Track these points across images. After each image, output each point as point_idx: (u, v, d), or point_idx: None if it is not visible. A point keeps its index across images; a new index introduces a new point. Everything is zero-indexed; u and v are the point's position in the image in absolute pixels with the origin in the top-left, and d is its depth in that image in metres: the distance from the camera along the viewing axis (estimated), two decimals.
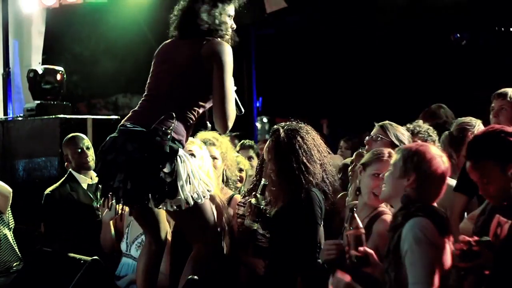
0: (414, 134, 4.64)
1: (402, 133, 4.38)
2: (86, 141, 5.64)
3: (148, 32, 12.13)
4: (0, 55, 8.67)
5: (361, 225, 3.13)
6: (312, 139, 4.02)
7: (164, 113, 3.65)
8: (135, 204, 3.72)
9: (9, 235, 5.72)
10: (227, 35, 3.92)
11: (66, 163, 5.61)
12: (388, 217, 3.44)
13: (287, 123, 4.09)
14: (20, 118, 7.52)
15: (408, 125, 4.74)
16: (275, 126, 4.10)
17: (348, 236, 3.12)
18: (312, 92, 13.21)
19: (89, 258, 4.68)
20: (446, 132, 5.06)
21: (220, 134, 4.60)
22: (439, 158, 3.09)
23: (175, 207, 3.65)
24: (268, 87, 13.23)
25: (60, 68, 7.61)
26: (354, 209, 3.18)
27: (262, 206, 3.96)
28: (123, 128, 3.73)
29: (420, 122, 4.86)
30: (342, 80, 12.66)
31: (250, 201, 3.99)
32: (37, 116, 7.23)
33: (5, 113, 8.43)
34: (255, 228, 4.09)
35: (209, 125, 4.74)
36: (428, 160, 3.06)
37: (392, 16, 10.42)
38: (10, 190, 5.63)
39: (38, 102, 7.37)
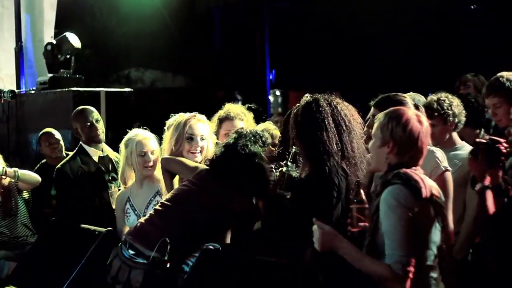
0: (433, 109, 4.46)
1: None
2: (96, 114, 5.50)
3: (161, 6, 12.06)
4: (12, 30, 8.65)
5: (365, 199, 3.10)
6: (342, 112, 3.89)
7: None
8: None
9: (26, 213, 5.78)
10: None
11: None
12: None
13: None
14: (33, 92, 7.53)
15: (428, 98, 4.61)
16: None
17: (352, 209, 3.10)
18: (326, 65, 13.11)
19: (103, 229, 4.70)
20: None
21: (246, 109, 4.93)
22: (414, 119, 3.02)
23: None
24: (282, 60, 13.14)
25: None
26: (360, 181, 3.15)
27: (294, 175, 3.83)
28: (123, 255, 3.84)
29: (434, 97, 4.55)
30: (356, 53, 12.54)
31: (282, 170, 3.86)
32: (50, 89, 7.22)
33: (18, 86, 8.44)
34: (288, 197, 3.98)
35: (239, 97, 4.76)
36: (402, 124, 3.00)
37: None
38: (39, 180, 5.74)
39: (51, 75, 7.36)
